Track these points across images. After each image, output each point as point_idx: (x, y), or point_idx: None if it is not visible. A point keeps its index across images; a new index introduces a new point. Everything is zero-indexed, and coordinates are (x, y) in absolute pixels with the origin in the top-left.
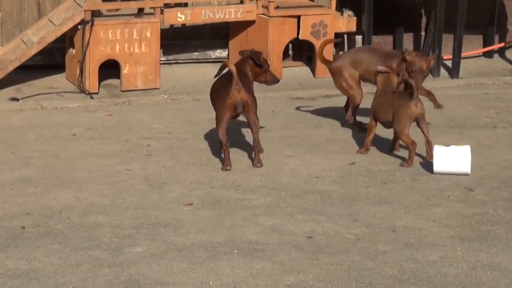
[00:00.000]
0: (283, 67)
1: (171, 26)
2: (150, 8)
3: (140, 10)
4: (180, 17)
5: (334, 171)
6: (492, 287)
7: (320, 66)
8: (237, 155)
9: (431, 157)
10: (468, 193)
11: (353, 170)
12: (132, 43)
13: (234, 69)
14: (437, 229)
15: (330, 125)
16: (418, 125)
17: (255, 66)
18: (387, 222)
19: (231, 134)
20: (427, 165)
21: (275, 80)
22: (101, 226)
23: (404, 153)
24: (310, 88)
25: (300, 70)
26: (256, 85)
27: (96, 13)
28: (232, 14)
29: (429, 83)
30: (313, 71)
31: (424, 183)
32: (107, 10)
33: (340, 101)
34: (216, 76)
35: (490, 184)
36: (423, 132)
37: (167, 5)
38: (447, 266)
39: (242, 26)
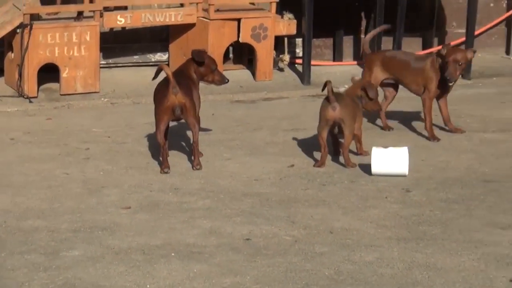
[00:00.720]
0: (224, 70)
1: (111, 29)
2: (90, 11)
3: (80, 14)
4: (119, 20)
5: (273, 173)
6: (427, 286)
7: (260, 69)
8: (176, 158)
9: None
10: (405, 194)
11: (291, 173)
12: (71, 46)
13: (169, 73)
14: (374, 230)
15: (269, 128)
16: (339, 129)
17: (199, 67)
18: (325, 223)
19: (171, 137)
20: (366, 167)
21: (223, 80)
22: (38, 230)
23: (352, 157)
24: (250, 91)
25: (240, 73)
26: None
27: (35, 17)
28: (172, 17)
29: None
30: (253, 74)
31: (362, 185)
32: (46, 14)
33: (280, 104)
34: (153, 78)
35: (427, 185)
36: (342, 137)
37: (106, 9)
38: (383, 267)
39: (182, 29)
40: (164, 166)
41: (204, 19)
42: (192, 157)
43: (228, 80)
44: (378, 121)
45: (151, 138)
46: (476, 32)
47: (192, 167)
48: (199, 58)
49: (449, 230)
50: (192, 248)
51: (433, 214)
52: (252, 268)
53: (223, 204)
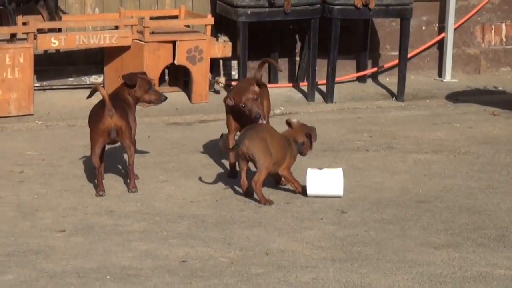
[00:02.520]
0: None
1: (45, 51)
2: (23, 33)
3: (13, 36)
4: (54, 43)
5: (209, 195)
6: None
7: (196, 91)
8: (111, 181)
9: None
10: (340, 215)
11: (227, 194)
12: (4, 68)
13: (105, 94)
14: (309, 251)
15: (205, 150)
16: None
17: (132, 89)
18: (261, 245)
19: (107, 160)
20: (303, 188)
21: (161, 98)
22: None
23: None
24: (186, 113)
25: (176, 96)
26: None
27: None
28: (107, 39)
29: (304, 107)
30: (189, 96)
31: (298, 206)
32: None
33: (216, 126)
34: (88, 97)
35: (362, 206)
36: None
37: (40, 31)
38: (319, 287)
39: (117, 51)
40: (99, 189)
41: (139, 41)
42: (128, 180)
43: (166, 98)
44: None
45: (86, 160)
46: (409, 55)
47: (128, 190)
48: (130, 81)
49: (383, 250)
50: (127, 271)
51: (368, 234)
52: None
53: (159, 226)
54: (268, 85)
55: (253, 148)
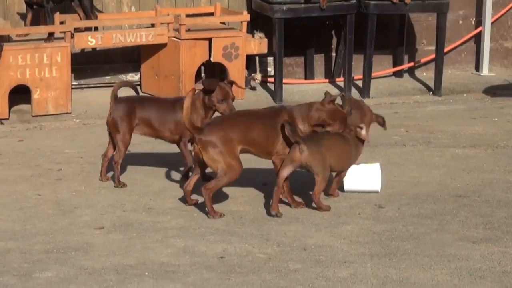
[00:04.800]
0: (196, 90)
1: (82, 50)
2: (60, 32)
3: (50, 35)
4: (90, 41)
5: (246, 191)
6: None
7: (233, 88)
8: (149, 178)
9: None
10: (378, 210)
11: (265, 191)
12: (42, 67)
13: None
14: (347, 246)
15: None
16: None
17: (206, 96)
18: (298, 240)
19: (147, 158)
20: (340, 185)
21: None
22: (10, 252)
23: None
24: None
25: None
26: None
27: (5, 38)
28: (144, 37)
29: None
30: None
31: (335, 202)
32: (16, 35)
33: None
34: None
35: (399, 201)
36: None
37: (77, 30)
38: (357, 283)
39: (153, 49)
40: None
41: (175, 39)
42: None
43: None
44: None
45: (125, 157)
46: (446, 49)
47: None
48: (209, 86)
49: (421, 245)
50: (165, 267)
51: (405, 229)
52: (226, 286)
53: (197, 223)
54: (304, 81)
55: (312, 160)
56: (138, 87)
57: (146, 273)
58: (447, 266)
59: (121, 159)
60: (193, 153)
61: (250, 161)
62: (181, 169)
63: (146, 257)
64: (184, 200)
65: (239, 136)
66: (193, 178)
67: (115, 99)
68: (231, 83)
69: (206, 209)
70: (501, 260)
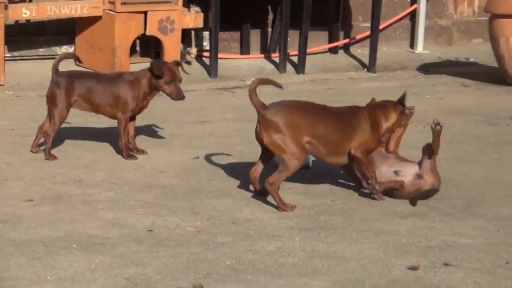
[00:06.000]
0: (131, 63)
1: (16, 21)
2: None
3: None
4: (25, 13)
5: (178, 165)
6: (327, 275)
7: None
8: (80, 151)
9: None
10: (308, 185)
11: (197, 164)
12: None
13: None
14: (276, 220)
15: (175, 121)
16: None
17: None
18: (228, 214)
19: (80, 131)
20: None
21: (178, 96)
22: None
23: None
24: None
25: (147, 66)
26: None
27: None
28: (78, 9)
29: (275, 78)
30: None
31: (267, 176)
32: None
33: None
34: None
35: (330, 176)
36: None
37: (11, 1)
38: (284, 256)
39: (88, 22)
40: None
41: (110, 11)
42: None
43: (184, 97)
44: None
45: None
46: (381, 26)
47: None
48: (158, 72)
49: (350, 220)
50: (94, 240)
51: (334, 204)
52: (154, 258)
53: (127, 196)
54: (240, 56)
55: None
56: (72, 60)
57: (74, 245)
58: (373, 241)
59: (54, 132)
60: (256, 133)
61: (184, 135)
62: (111, 143)
63: (75, 230)
64: (113, 174)
65: (308, 126)
66: (259, 165)
67: (56, 72)
68: (178, 64)
69: (276, 203)
70: (427, 235)
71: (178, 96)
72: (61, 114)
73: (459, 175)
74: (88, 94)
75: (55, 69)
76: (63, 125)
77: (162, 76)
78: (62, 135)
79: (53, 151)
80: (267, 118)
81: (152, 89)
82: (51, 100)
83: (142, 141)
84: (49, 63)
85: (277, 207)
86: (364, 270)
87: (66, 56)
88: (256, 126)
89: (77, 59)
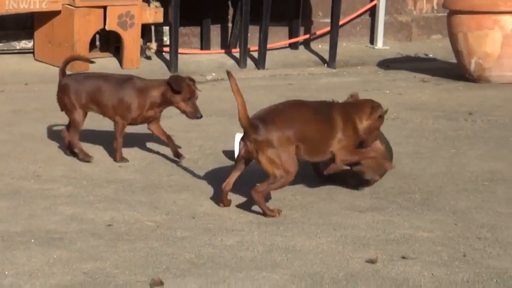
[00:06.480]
0: (91, 58)
1: None
2: None
3: None
4: None
5: (137, 160)
6: (286, 268)
7: (127, 57)
8: (40, 145)
9: None
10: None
11: (156, 159)
12: None
13: None
14: (236, 214)
15: None
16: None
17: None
18: (188, 208)
19: (36, 124)
20: (230, 153)
21: (196, 115)
22: None
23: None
24: None
25: (107, 61)
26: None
27: None
28: (37, 4)
29: (235, 74)
30: (120, 62)
31: (226, 171)
32: None
33: None
34: None
35: None
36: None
37: None
38: (243, 250)
39: (47, 16)
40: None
41: (69, 6)
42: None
43: (201, 116)
44: None
45: (15, 125)
46: (341, 22)
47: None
48: (176, 87)
49: (309, 214)
50: (52, 235)
51: (294, 198)
52: (113, 253)
53: (86, 190)
54: (200, 52)
55: None
56: (31, 55)
57: (32, 240)
58: (332, 234)
59: (75, 138)
60: (243, 150)
61: (143, 130)
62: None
63: (33, 224)
64: (72, 169)
65: (296, 134)
66: (233, 177)
67: (63, 75)
68: (193, 80)
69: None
70: (385, 229)
71: (195, 115)
72: (74, 117)
73: (417, 170)
74: (95, 95)
75: (63, 72)
76: (23, 119)
77: (180, 92)
78: (21, 129)
79: (9, 145)
80: (260, 140)
81: (164, 103)
82: (61, 105)
83: (101, 136)
84: (7, 58)
85: (263, 214)
86: (323, 264)
87: (73, 58)
88: (245, 144)
89: (85, 61)
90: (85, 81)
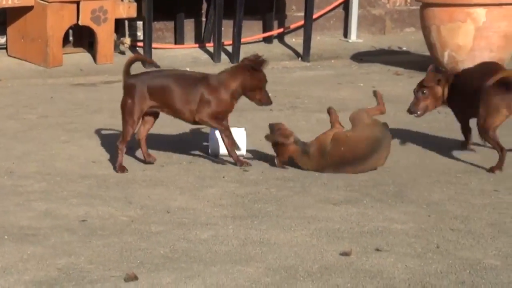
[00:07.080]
0: (64, 54)
1: None
2: None
3: None
4: None
5: (111, 155)
6: (261, 262)
7: (101, 52)
8: (12, 142)
9: None
10: (242, 173)
11: (130, 154)
12: None
13: None
14: (210, 208)
15: (109, 111)
16: None
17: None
18: (162, 203)
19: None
20: (205, 148)
21: (268, 102)
22: None
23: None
24: (91, 74)
25: (81, 57)
26: (26, 71)
27: None
28: (10, 0)
29: (209, 68)
30: (94, 57)
31: (200, 165)
32: None
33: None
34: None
35: (264, 164)
36: None
37: None
38: (218, 244)
39: (20, 12)
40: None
41: (42, 1)
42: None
43: (272, 102)
44: None
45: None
46: (315, 16)
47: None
48: (258, 66)
49: (283, 207)
50: (26, 231)
51: (268, 192)
52: (87, 248)
53: (60, 186)
54: (174, 46)
55: None
56: (4, 51)
57: (6, 237)
58: (307, 227)
59: (124, 144)
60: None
61: (118, 125)
62: (44, 134)
63: (6, 221)
64: (46, 165)
65: None
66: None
67: (127, 76)
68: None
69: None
70: (359, 221)
71: (270, 99)
72: (132, 123)
73: (391, 162)
74: (165, 96)
75: (126, 73)
76: None
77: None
78: None
79: None
80: None
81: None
82: (122, 107)
83: (75, 132)
84: None
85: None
86: (297, 257)
87: (137, 58)
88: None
89: (149, 62)
90: (152, 83)
